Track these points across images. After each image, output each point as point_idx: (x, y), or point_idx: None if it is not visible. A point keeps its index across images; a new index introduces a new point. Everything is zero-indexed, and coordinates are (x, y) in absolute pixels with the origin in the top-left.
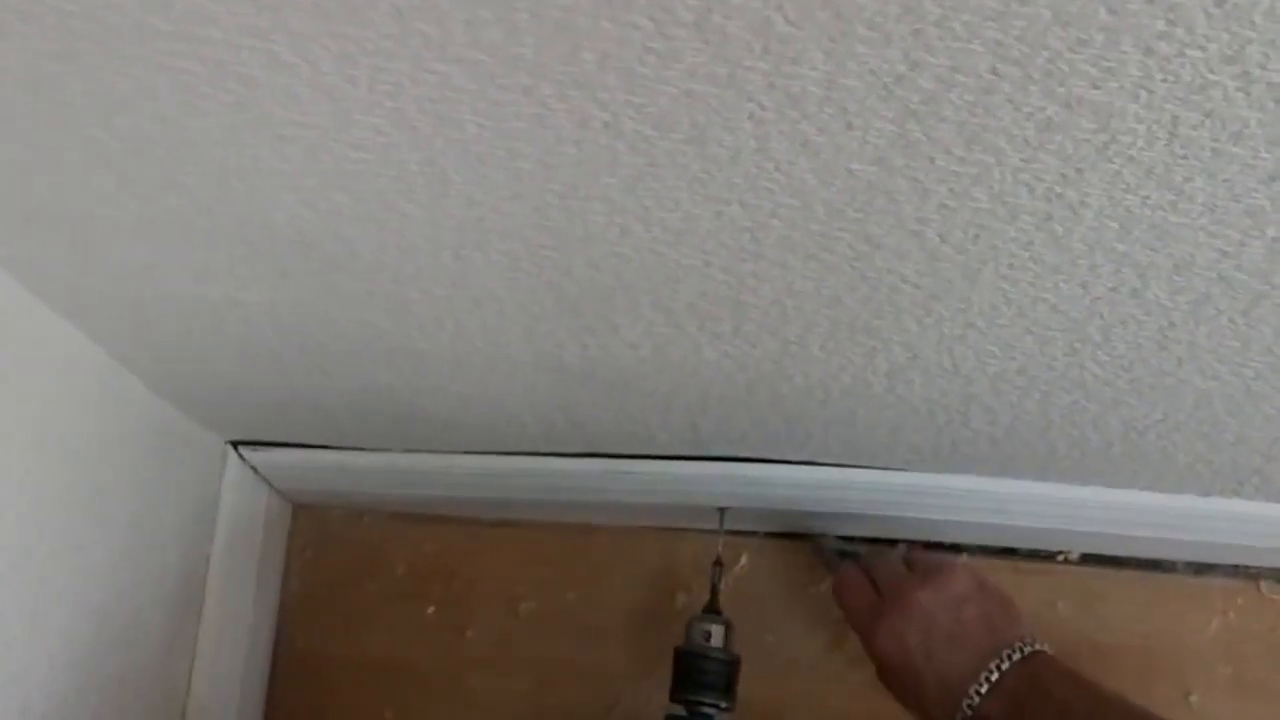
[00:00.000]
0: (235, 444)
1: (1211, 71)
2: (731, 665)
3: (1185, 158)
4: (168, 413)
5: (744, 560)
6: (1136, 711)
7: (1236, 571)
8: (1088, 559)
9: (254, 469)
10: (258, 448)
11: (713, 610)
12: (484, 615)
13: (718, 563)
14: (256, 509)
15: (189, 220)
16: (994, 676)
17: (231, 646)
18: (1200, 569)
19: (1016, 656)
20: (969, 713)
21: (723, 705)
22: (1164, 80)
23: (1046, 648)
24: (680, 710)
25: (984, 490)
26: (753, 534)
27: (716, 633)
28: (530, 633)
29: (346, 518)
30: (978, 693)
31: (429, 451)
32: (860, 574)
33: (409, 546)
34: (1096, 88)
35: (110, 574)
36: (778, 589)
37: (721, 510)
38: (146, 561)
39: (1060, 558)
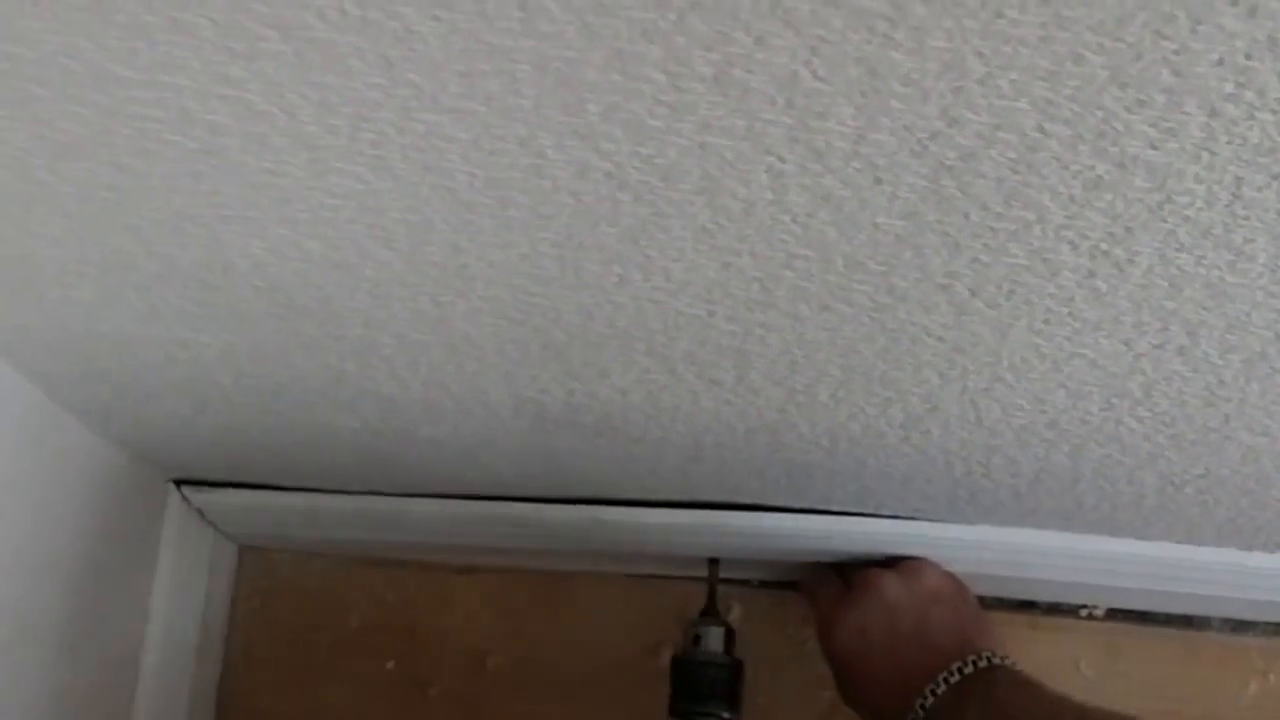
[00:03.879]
0: (178, 483)
1: None
2: (734, 671)
3: (1248, 219)
4: (103, 449)
5: (735, 611)
6: (1093, 714)
7: (1278, 630)
8: (1114, 614)
9: (199, 511)
10: (203, 488)
11: (710, 613)
12: (449, 671)
13: (714, 561)
14: (200, 553)
15: (139, 262)
16: (953, 679)
17: (171, 704)
18: (1238, 626)
19: (982, 664)
20: (920, 713)
21: (726, 715)
22: (1229, 142)
23: (1016, 665)
24: None
25: (1002, 541)
26: (745, 583)
27: (715, 636)
28: (500, 691)
29: (297, 562)
30: (933, 692)
31: (392, 495)
32: (832, 571)
33: (366, 594)
34: (1154, 148)
35: (37, 623)
36: (773, 645)
37: (713, 568)
38: (78, 611)
39: (1084, 613)
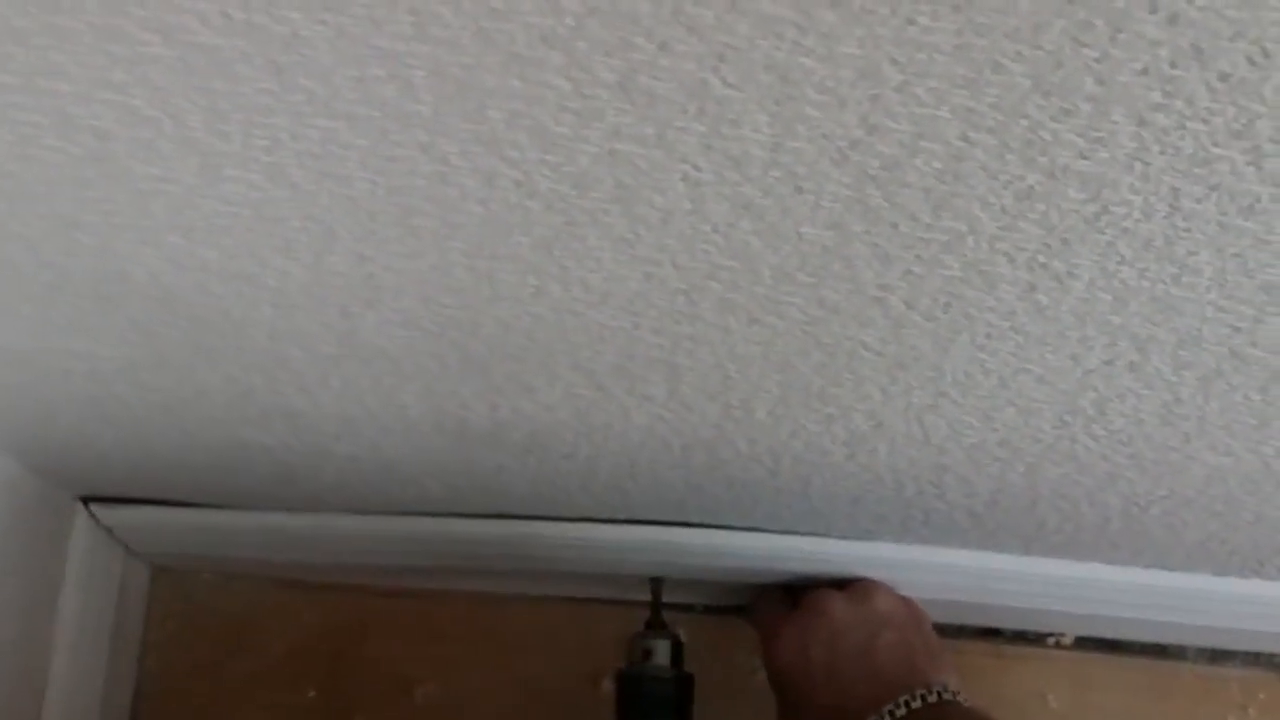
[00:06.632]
0: (86, 500)
1: (1216, 145)
2: (683, 685)
3: (1189, 231)
4: (3, 464)
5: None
6: None
7: (1257, 660)
8: (1084, 643)
9: (108, 530)
10: (112, 505)
11: (656, 625)
12: (374, 700)
13: (656, 579)
14: (110, 575)
15: (30, 273)
16: (900, 712)
17: None
18: (1215, 656)
19: (932, 699)
20: None
21: None
22: (1162, 152)
23: (969, 701)
24: None
25: (961, 565)
26: (689, 608)
27: (662, 649)
28: None
29: (214, 584)
30: None
31: (311, 511)
32: (779, 590)
33: (287, 618)
34: (1084, 158)
35: None
36: (718, 675)
37: (656, 581)
38: None
39: (1052, 641)
